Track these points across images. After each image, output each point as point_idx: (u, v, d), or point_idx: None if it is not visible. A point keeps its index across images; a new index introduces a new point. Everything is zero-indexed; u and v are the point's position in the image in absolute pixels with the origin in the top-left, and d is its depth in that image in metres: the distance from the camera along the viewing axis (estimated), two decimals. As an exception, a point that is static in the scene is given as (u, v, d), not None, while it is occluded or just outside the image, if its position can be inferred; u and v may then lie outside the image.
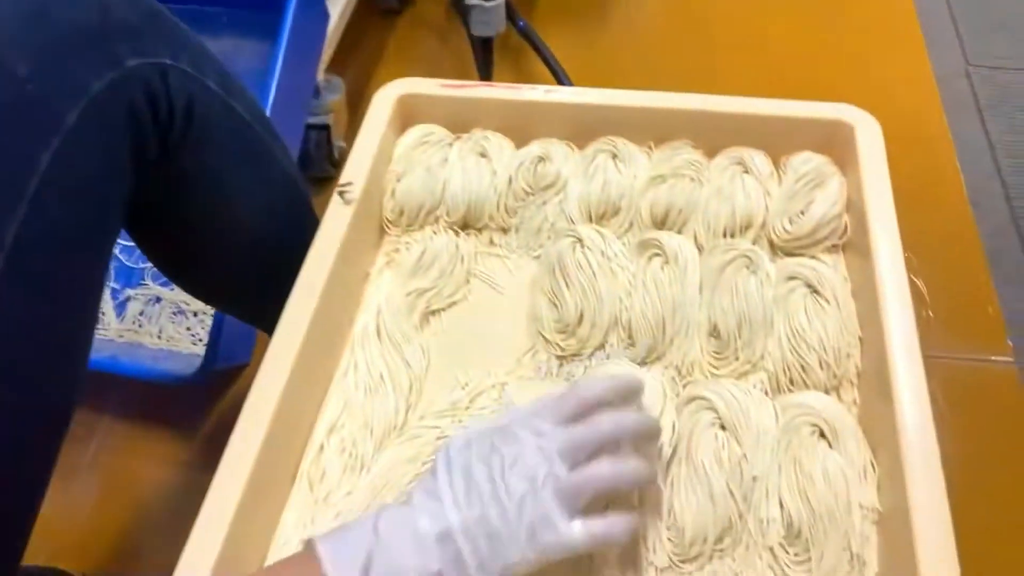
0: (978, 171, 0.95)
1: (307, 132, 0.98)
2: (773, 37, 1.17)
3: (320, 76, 0.99)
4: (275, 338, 0.52)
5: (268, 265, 0.61)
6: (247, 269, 0.61)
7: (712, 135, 0.65)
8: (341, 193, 0.61)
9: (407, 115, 0.70)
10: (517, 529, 0.39)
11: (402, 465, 0.51)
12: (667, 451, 0.48)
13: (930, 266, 0.86)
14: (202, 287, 0.64)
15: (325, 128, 1.00)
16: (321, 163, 1.01)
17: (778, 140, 0.64)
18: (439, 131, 0.69)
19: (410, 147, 0.67)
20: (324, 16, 0.98)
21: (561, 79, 1.03)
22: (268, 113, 0.80)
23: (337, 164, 1.04)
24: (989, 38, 1.11)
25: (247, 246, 0.59)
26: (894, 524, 0.45)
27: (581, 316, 0.55)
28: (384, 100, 0.68)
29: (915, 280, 0.85)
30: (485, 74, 1.06)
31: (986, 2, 1.16)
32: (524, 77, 1.16)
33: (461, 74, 1.17)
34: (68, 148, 0.43)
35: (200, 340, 0.88)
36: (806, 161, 0.62)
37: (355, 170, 0.63)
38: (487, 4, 0.95)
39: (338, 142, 1.03)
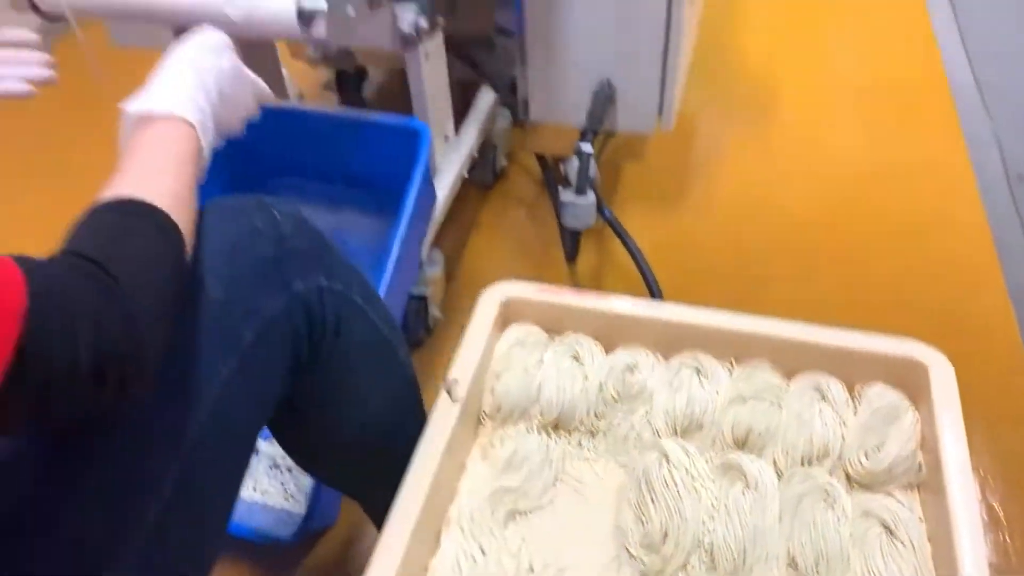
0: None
1: (407, 302, 1.07)
2: (844, 244, 1.23)
3: (424, 251, 1.09)
4: (384, 536, 0.57)
5: (380, 453, 0.67)
6: (361, 456, 0.68)
7: (790, 358, 0.70)
8: (449, 391, 0.67)
9: (508, 314, 0.77)
10: None
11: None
12: None
13: (1008, 488, 0.87)
14: (316, 467, 0.71)
15: (424, 299, 1.08)
16: (417, 331, 1.09)
17: (853, 369, 0.69)
18: (536, 333, 0.76)
19: (510, 347, 0.74)
20: (434, 197, 1.09)
21: (642, 267, 1.10)
22: (384, 290, 0.89)
23: (431, 331, 1.12)
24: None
25: (366, 438, 0.66)
26: None
27: (666, 535, 0.59)
28: (489, 303, 0.76)
29: (992, 503, 0.86)
30: (572, 257, 1.15)
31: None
32: (607, 257, 1.24)
33: (547, 248, 1.26)
34: (244, 361, 0.51)
35: (292, 496, 0.93)
36: (881, 395, 0.66)
37: (461, 368, 0.70)
38: (579, 201, 1.04)
39: (434, 311, 1.12)
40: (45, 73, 0.55)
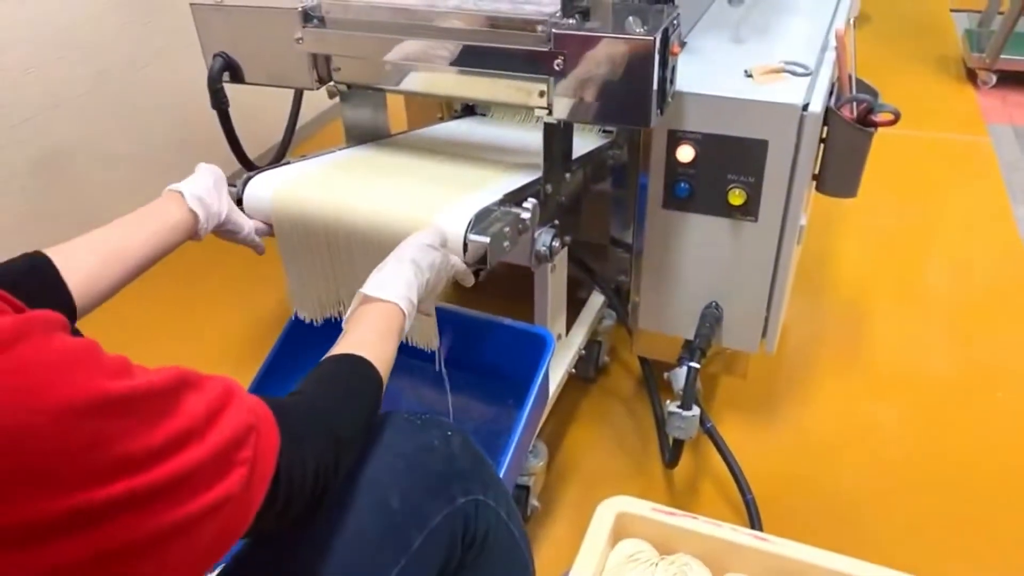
0: None
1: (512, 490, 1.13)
2: (943, 470, 1.24)
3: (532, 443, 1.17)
4: None
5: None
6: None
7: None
8: (566, 603, 0.73)
9: (620, 527, 0.83)
10: None
11: None
12: None
13: None
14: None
15: (526, 488, 1.14)
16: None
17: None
18: (648, 550, 0.81)
19: (621, 561, 0.79)
20: (546, 394, 1.17)
21: (740, 482, 1.14)
22: (502, 474, 0.95)
23: (527, 520, 1.17)
24: None
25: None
26: None
27: None
28: (604, 516, 0.82)
29: None
30: (672, 464, 1.20)
31: None
32: (703, 463, 1.28)
33: (644, 446, 1.31)
34: (409, 566, 0.58)
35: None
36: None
37: (578, 579, 0.75)
38: (685, 414, 1.11)
39: (533, 501, 1.17)
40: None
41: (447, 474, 0.62)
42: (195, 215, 0.80)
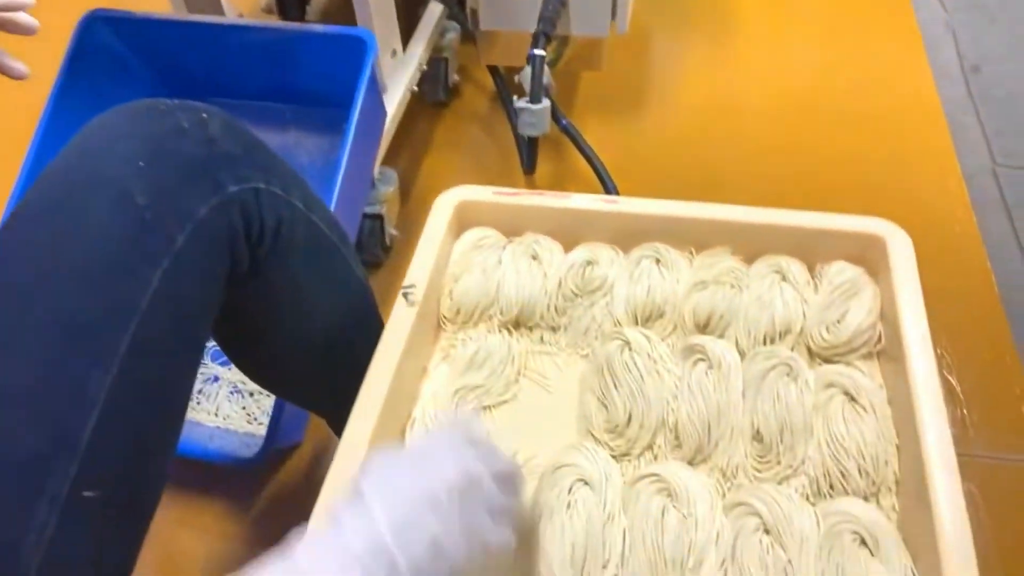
0: (1008, 268, 0.98)
1: (362, 221, 1.04)
2: (803, 136, 1.22)
3: (376, 169, 1.06)
4: (345, 436, 0.56)
5: (337, 363, 0.65)
6: (318, 367, 0.66)
7: (750, 243, 0.69)
8: (405, 295, 0.66)
9: (463, 218, 0.75)
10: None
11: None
12: (715, 555, 0.51)
13: (963, 363, 0.88)
14: (274, 382, 0.69)
15: (379, 217, 1.06)
16: (374, 250, 1.07)
17: (813, 249, 0.68)
18: (493, 235, 0.74)
19: (467, 250, 0.72)
20: (383, 113, 1.05)
21: (601, 174, 1.09)
22: (334, 206, 0.86)
23: (388, 250, 1.09)
24: (1015, 139, 1.15)
25: (320, 347, 0.64)
26: (935, 633, 0.47)
27: (630, 417, 0.59)
28: (443, 206, 0.73)
29: (948, 378, 0.87)
30: (530, 167, 1.13)
31: (1011, 103, 1.21)
32: (565, 167, 1.22)
33: (505, 163, 1.23)
34: (176, 267, 0.48)
35: (255, 419, 0.92)
36: (841, 272, 0.65)
37: (417, 272, 0.68)
38: (534, 107, 1.01)
39: (390, 230, 1.09)
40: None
41: (208, 159, 0.50)
42: None
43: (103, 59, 1.00)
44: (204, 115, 0.52)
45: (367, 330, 0.65)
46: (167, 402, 0.50)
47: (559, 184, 1.19)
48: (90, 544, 0.46)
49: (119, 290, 0.46)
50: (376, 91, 0.99)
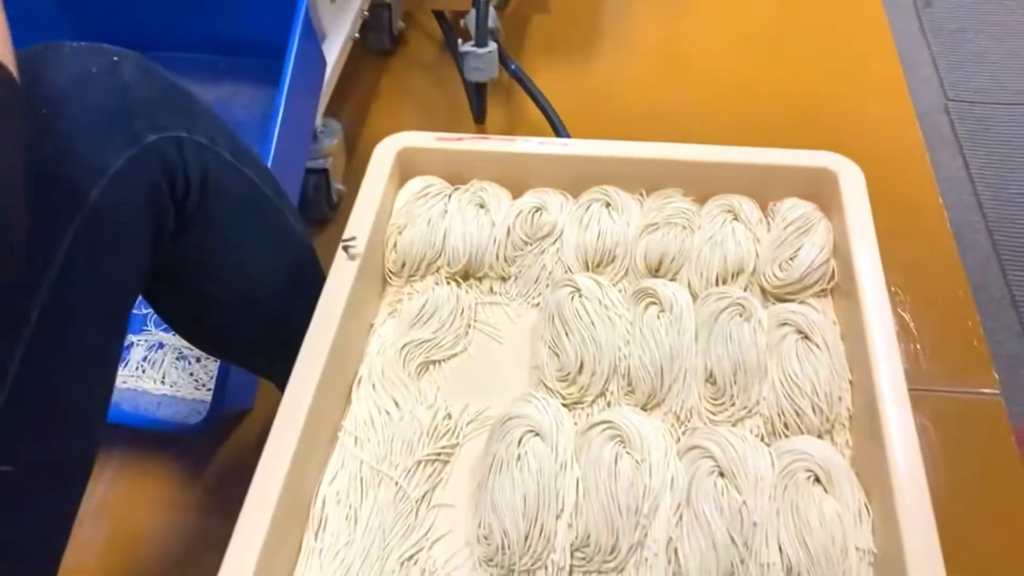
0: (960, 204, 0.98)
1: (306, 176, 1.00)
2: (756, 78, 1.20)
3: (318, 121, 1.01)
4: (287, 394, 0.54)
5: (277, 321, 0.62)
6: (257, 326, 0.63)
7: (701, 183, 0.67)
8: (346, 248, 0.63)
9: (406, 168, 0.72)
10: None
11: (389, 512, 0.53)
12: (670, 500, 0.50)
13: (916, 300, 0.88)
14: (213, 344, 0.66)
15: (324, 172, 1.01)
16: (320, 206, 1.03)
17: (765, 187, 0.67)
18: (438, 183, 0.71)
19: (410, 199, 0.69)
20: (322, 62, 1.00)
21: (552, 120, 1.06)
22: (271, 161, 0.82)
23: (336, 206, 1.06)
24: (966, 74, 1.15)
25: (258, 305, 0.61)
26: (889, 566, 0.47)
27: (581, 365, 0.57)
28: (383, 154, 0.70)
29: (902, 315, 0.87)
30: (479, 115, 1.09)
31: (963, 39, 1.20)
32: (516, 115, 1.18)
33: (454, 112, 1.19)
34: (91, 223, 0.44)
35: (203, 385, 0.89)
36: (793, 208, 0.64)
37: (358, 224, 0.65)
38: (480, 51, 0.97)
39: (336, 185, 1.05)
40: None
41: (121, 107, 0.46)
42: None
43: (13, 6, 0.93)
44: (115, 58, 0.48)
45: (307, 288, 0.62)
46: (88, 370, 0.47)
47: (511, 132, 1.16)
48: (9, 521, 0.43)
49: (27, 251, 0.43)
50: (314, 39, 0.94)
